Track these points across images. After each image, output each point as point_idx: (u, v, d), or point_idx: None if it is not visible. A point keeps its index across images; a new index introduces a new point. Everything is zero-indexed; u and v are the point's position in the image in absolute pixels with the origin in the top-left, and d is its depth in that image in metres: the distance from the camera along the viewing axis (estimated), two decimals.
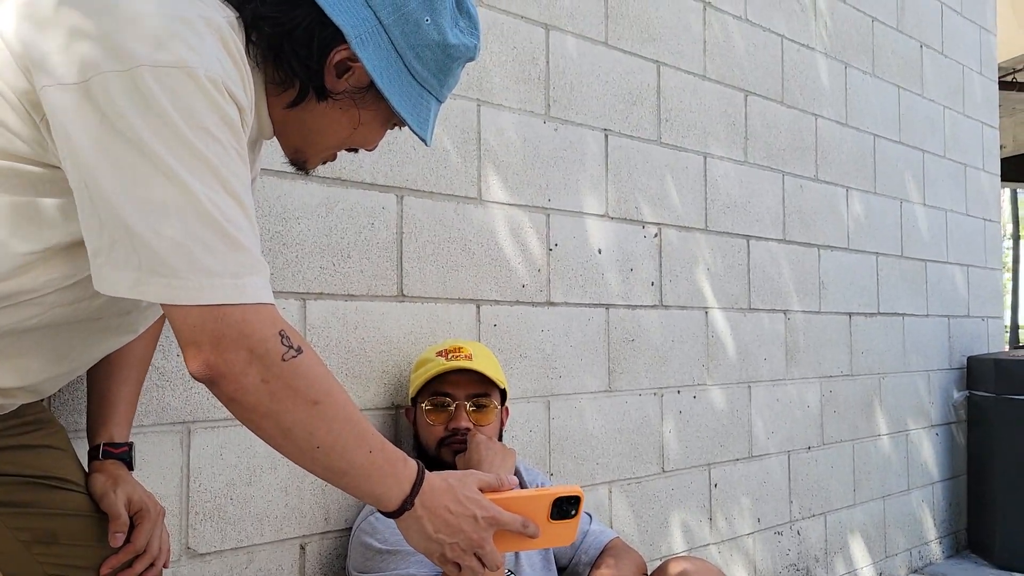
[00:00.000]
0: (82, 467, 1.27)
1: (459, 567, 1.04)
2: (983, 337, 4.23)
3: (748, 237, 2.86)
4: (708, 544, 2.64)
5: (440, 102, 1.15)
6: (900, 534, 3.53)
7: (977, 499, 3.87)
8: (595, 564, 1.76)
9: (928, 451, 3.75)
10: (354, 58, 1.05)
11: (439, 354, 1.76)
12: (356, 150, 1.20)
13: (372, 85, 1.07)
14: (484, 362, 1.76)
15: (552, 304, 2.23)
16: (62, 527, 1.19)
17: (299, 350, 0.93)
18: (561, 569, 1.82)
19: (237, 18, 1.04)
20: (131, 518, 1.24)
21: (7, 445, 1.15)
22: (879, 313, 3.47)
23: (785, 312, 3.00)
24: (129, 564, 1.22)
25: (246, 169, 0.94)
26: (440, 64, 1.10)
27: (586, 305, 2.31)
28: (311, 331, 1.75)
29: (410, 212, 1.93)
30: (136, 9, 0.89)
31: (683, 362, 2.60)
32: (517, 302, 2.14)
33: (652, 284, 2.51)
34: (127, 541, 1.22)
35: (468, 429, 1.70)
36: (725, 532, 2.71)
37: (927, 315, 3.79)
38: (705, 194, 2.70)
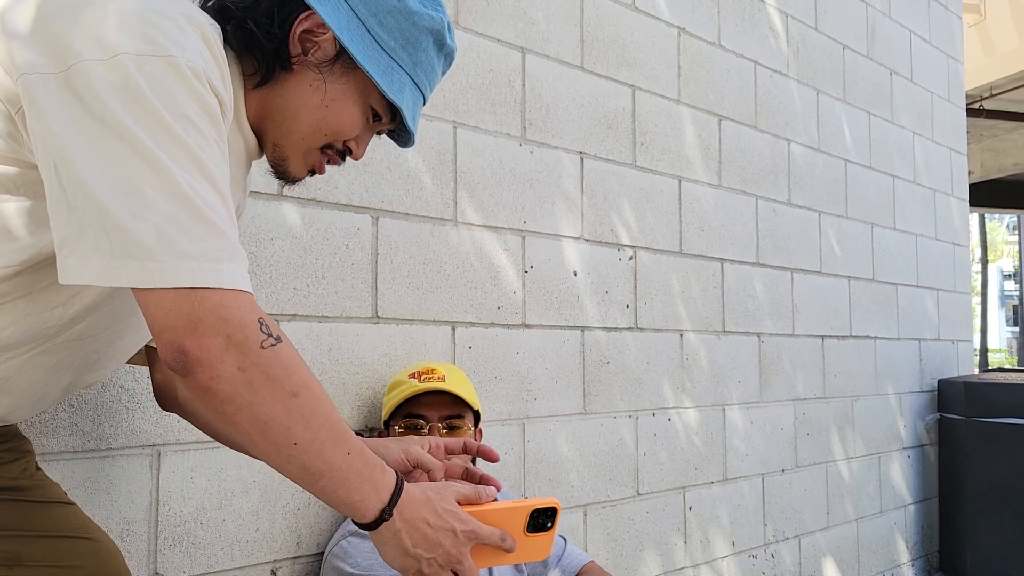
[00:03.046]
0: (45, 475, 1.24)
1: None
2: (953, 360, 4.28)
3: (722, 260, 2.88)
4: (683, 567, 2.64)
5: (418, 88, 1.14)
6: (873, 557, 3.54)
7: (949, 521, 3.89)
8: None
9: (900, 473, 3.77)
10: (319, 29, 1.06)
11: (412, 376, 1.75)
12: (340, 156, 1.17)
13: (339, 56, 1.07)
14: (457, 384, 1.75)
15: (527, 326, 2.23)
16: (26, 550, 1.16)
17: (278, 339, 0.90)
18: None
19: (212, 21, 1.04)
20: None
21: None
22: (851, 336, 3.50)
23: (759, 335, 3.02)
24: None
25: (225, 161, 0.93)
26: (405, 33, 1.10)
27: (561, 327, 2.32)
28: None
29: (385, 233, 1.93)
30: (117, 6, 0.89)
31: (658, 384, 2.60)
32: (492, 324, 2.14)
33: (627, 306, 2.52)
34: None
35: None
36: (700, 555, 2.71)
37: (898, 338, 3.83)
38: (680, 217, 2.72)
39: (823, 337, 3.33)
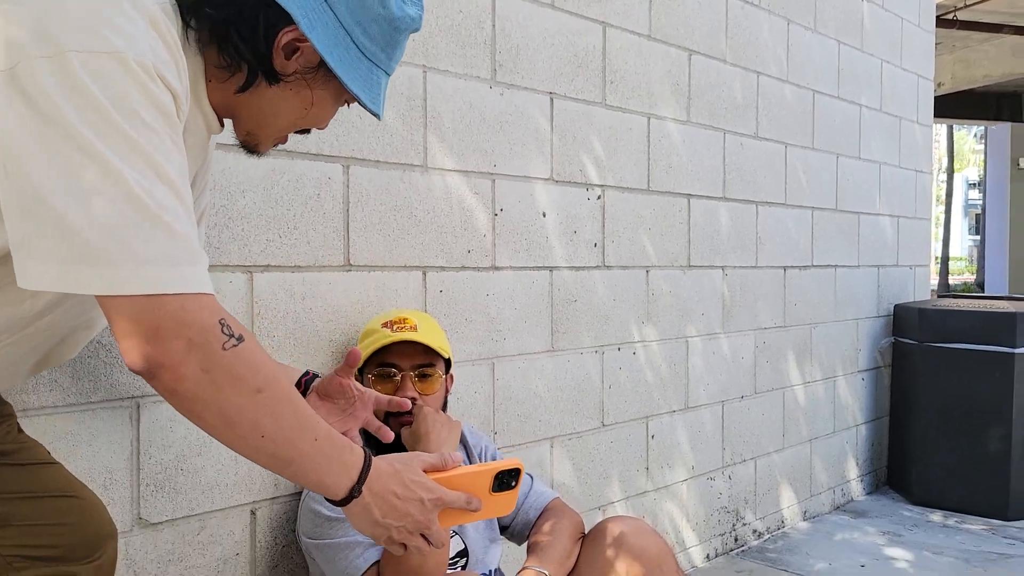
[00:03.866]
0: (26, 435, 1.28)
1: (405, 547, 1.09)
2: (911, 285, 4.40)
3: (689, 196, 2.92)
4: (645, 492, 2.77)
5: (388, 74, 1.16)
6: (825, 474, 3.73)
7: (897, 439, 4.09)
8: (535, 524, 1.85)
9: (854, 395, 3.94)
10: (302, 38, 1.05)
11: (384, 325, 1.80)
12: (308, 130, 1.20)
13: (322, 64, 1.07)
14: (429, 333, 1.80)
15: (497, 268, 2.27)
16: (14, 510, 1.21)
17: (240, 338, 0.92)
18: (503, 528, 1.90)
19: (172, 3, 1.03)
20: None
21: None
22: (813, 266, 3.59)
23: (723, 268, 3.09)
24: None
25: (182, 156, 0.93)
26: (387, 37, 1.11)
27: (530, 268, 2.36)
28: (258, 303, 1.77)
29: (356, 182, 1.94)
30: None
31: (624, 320, 2.68)
32: (463, 267, 2.18)
33: (595, 245, 2.57)
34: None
35: (414, 399, 1.76)
36: (660, 480, 2.84)
37: (858, 266, 3.93)
38: (648, 155, 2.75)
39: (785, 268, 3.42)
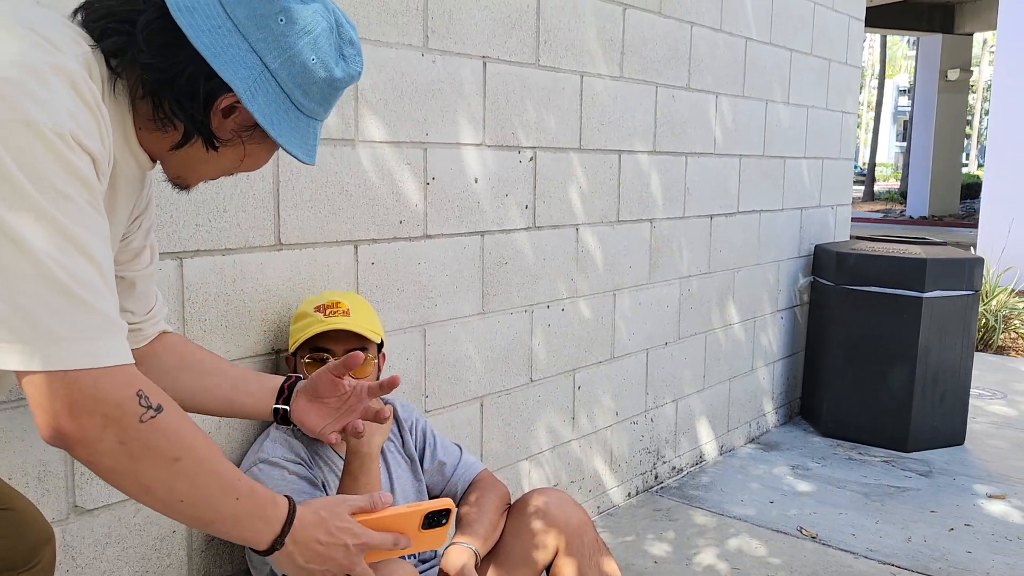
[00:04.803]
0: None
1: None
2: (831, 225, 4.56)
3: (620, 152, 2.96)
4: (570, 440, 2.90)
5: (321, 122, 1.17)
6: (742, 410, 3.93)
7: (811, 374, 4.31)
8: (462, 497, 1.94)
9: (772, 334, 4.12)
10: (240, 104, 1.05)
11: (317, 309, 1.82)
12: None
13: (258, 124, 1.07)
14: (361, 317, 1.84)
15: (429, 237, 2.29)
16: None
17: (159, 408, 0.94)
18: (432, 499, 1.99)
19: (93, 47, 1.00)
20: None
21: None
22: (738, 212, 3.69)
23: (651, 221, 3.16)
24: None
25: (102, 219, 0.93)
26: (326, 95, 1.11)
27: (462, 234, 2.39)
28: (189, 289, 1.78)
29: (286, 159, 1.93)
30: None
31: (553, 278, 2.74)
32: (395, 238, 2.20)
33: (526, 207, 2.60)
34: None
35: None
36: (586, 428, 2.97)
37: (782, 209, 4.05)
38: (580, 113, 2.76)
39: (712, 216, 3.51)
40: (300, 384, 1.44)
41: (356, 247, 2.11)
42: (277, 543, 1.06)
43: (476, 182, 2.41)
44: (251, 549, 1.08)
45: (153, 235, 1.32)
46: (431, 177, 2.28)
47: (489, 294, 2.51)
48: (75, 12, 1.04)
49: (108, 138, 0.97)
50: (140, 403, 0.92)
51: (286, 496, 1.09)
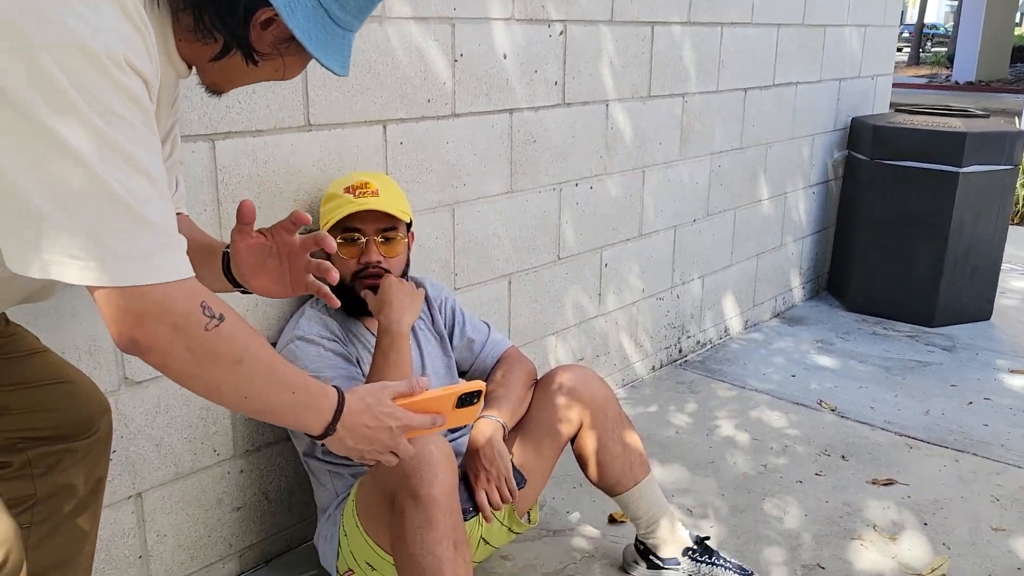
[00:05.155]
0: (15, 326, 1.37)
1: (378, 461, 1.25)
2: (871, 96, 4.43)
3: (653, 24, 2.87)
4: (596, 316, 2.96)
5: (354, 33, 1.17)
6: (769, 285, 3.96)
7: (840, 249, 4.31)
8: (490, 373, 2.02)
9: (803, 209, 4.09)
10: (277, 18, 1.05)
11: (347, 190, 1.85)
12: None
13: (295, 36, 1.07)
14: (390, 198, 1.86)
15: (457, 115, 2.28)
16: (10, 399, 1.33)
17: (220, 317, 1.00)
18: (461, 374, 2.08)
19: None
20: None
21: None
22: (774, 85, 3.60)
23: (683, 95, 3.10)
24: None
25: (155, 138, 0.96)
26: (362, 7, 1.12)
27: (490, 112, 2.38)
28: (222, 171, 1.81)
29: None
30: None
31: (582, 156, 2.73)
32: (422, 118, 2.20)
33: (555, 83, 2.56)
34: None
35: (379, 262, 1.85)
36: (612, 304, 3.03)
37: (819, 81, 3.94)
38: None
39: (746, 90, 3.43)
40: (232, 231, 1.37)
41: (384, 127, 2.11)
42: (330, 429, 1.15)
43: (505, 58, 2.37)
44: (307, 435, 1.16)
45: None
46: (459, 54, 2.24)
47: (517, 172, 2.51)
48: None
49: (155, 56, 0.98)
50: (204, 313, 0.98)
51: (334, 386, 1.17)
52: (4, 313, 1.36)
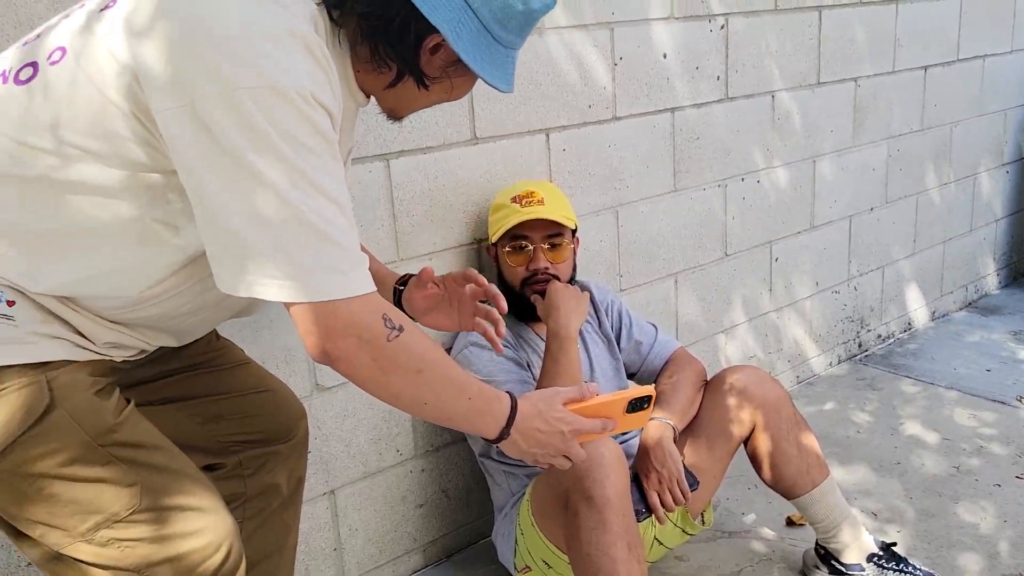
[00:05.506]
0: (225, 341, 1.52)
1: (551, 464, 1.30)
2: None
3: (820, 8, 2.76)
4: (767, 312, 2.89)
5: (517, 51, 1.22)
6: (957, 273, 3.71)
7: None
8: (659, 374, 2.03)
9: (995, 190, 3.80)
10: (444, 41, 1.11)
11: (513, 200, 1.91)
12: None
13: (462, 59, 1.14)
14: (555, 205, 1.91)
15: (618, 118, 2.30)
16: (224, 406, 1.48)
17: (401, 328, 1.08)
18: (630, 376, 2.09)
19: (318, 3, 1.10)
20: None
21: (162, 354, 1.40)
22: (958, 60, 3.37)
23: (856, 79, 2.96)
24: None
25: (340, 166, 1.05)
26: (523, 26, 1.16)
27: (651, 113, 2.38)
28: (396, 188, 1.91)
29: None
30: (228, 31, 0.96)
31: (747, 150, 2.67)
32: (584, 123, 2.23)
33: (718, 78, 2.52)
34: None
35: (546, 268, 1.90)
36: (784, 299, 2.94)
37: (1011, 51, 3.64)
38: None
39: (926, 68, 3.23)
40: (411, 281, 1.53)
41: (548, 135, 2.16)
42: (504, 433, 1.20)
43: (665, 57, 2.37)
44: (483, 439, 1.23)
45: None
46: (619, 57, 2.26)
47: (680, 171, 2.50)
48: None
49: (337, 90, 1.07)
50: (386, 325, 1.06)
51: (508, 392, 1.22)
52: (215, 329, 1.51)
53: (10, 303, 1.05)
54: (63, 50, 1.02)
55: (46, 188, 1.03)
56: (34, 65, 1.03)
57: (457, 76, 1.18)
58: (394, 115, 1.27)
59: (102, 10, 1.03)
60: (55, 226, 1.04)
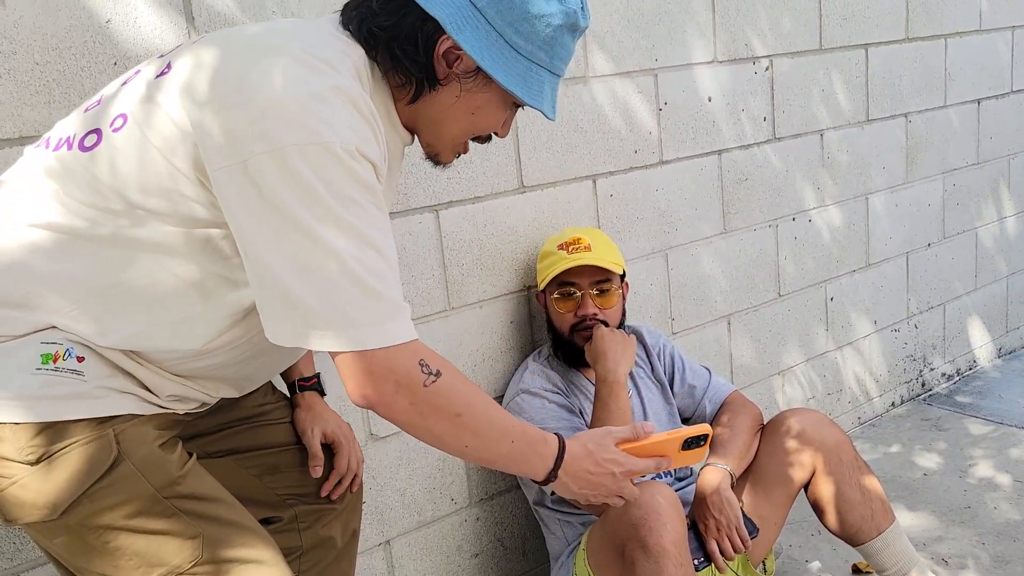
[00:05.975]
0: (280, 394, 1.55)
1: (606, 504, 1.29)
2: None
3: (867, 45, 2.75)
4: (824, 352, 2.84)
5: (556, 75, 1.21)
6: (1023, 308, 3.60)
7: None
8: (714, 418, 2.00)
9: None
10: (459, 46, 1.12)
11: (560, 247, 1.92)
12: (489, 138, 1.28)
13: (480, 68, 1.14)
14: (602, 250, 1.91)
15: (665, 163, 2.31)
16: (280, 460, 1.50)
17: (438, 373, 1.10)
18: (684, 421, 2.07)
19: (362, 55, 1.13)
20: (330, 446, 1.53)
21: (220, 406, 1.43)
22: (1012, 91, 3.31)
23: (906, 115, 2.93)
24: (338, 482, 1.54)
25: (384, 217, 1.08)
26: (541, 34, 1.14)
27: (698, 156, 2.38)
28: (446, 237, 1.94)
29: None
30: (278, 93, 1.00)
31: (797, 189, 2.65)
32: (631, 168, 2.24)
33: (764, 119, 2.52)
34: (332, 467, 1.52)
35: (595, 314, 1.90)
36: (841, 339, 2.88)
37: None
38: (820, 9, 2.59)
39: (979, 101, 3.18)
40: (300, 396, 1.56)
41: (594, 181, 2.17)
42: (552, 475, 1.21)
43: (710, 100, 2.37)
44: (531, 480, 1.22)
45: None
46: (663, 102, 2.27)
47: (730, 212, 2.49)
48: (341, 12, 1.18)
49: (383, 140, 1.10)
50: (422, 370, 1.08)
51: (556, 434, 1.22)
52: (271, 382, 1.54)
53: (80, 359, 1.09)
54: (124, 117, 1.06)
55: (114, 247, 1.07)
56: (98, 132, 1.08)
57: (479, 89, 1.16)
58: (432, 151, 1.26)
59: (158, 76, 1.07)
60: (122, 282, 1.09)
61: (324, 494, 1.51)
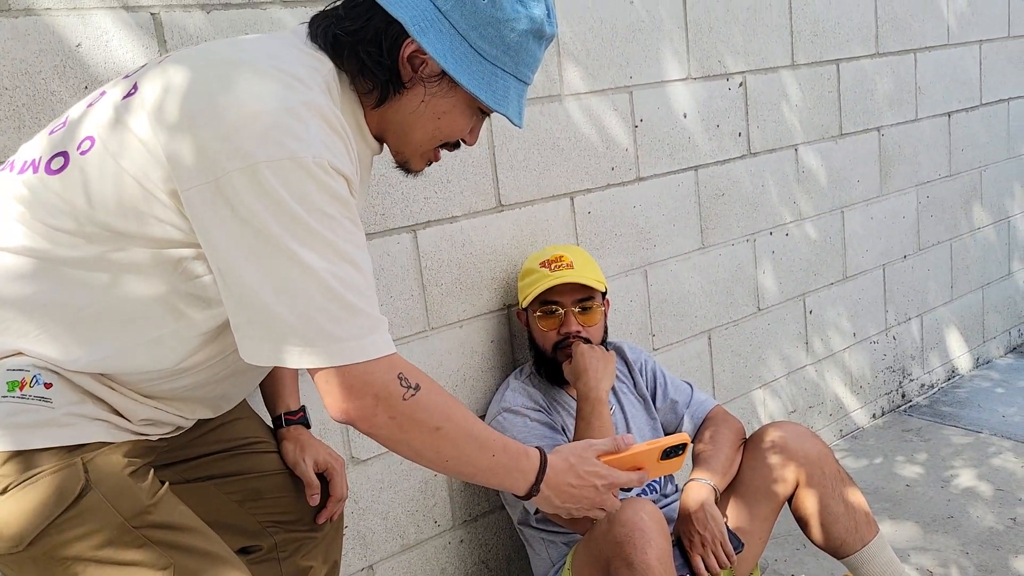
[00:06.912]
0: (266, 426, 1.53)
1: (588, 518, 1.28)
2: None
3: (838, 61, 2.79)
4: (805, 365, 2.85)
5: (522, 82, 1.20)
6: (999, 318, 3.64)
7: None
8: (697, 434, 1.99)
9: None
10: (424, 50, 1.12)
11: (542, 264, 1.92)
12: (456, 146, 1.27)
13: (445, 72, 1.14)
14: (584, 268, 1.91)
15: (641, 179, 2.32)
16: (264, 485, 1.47)
17: (417, 387, 1.09)
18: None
19: (331, 68, 1.13)
20: (323, 475, 1.51)
21: (205, 431, 1.41)
22: (982, 104, 3.36)
23: (879, 129, 2.96)
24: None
25: (358, 230, 1.07)
26: (506, 39, 1.14)
27: (675, 172, 2.39)
28: (424, 257, 1.93)
29: (499, 122, 2.01)
30: (248, 109, 0.99)
31: (774, 204, 2.67)
32: (608, 185, 2.24)
33: (739, 135, 2.54)
34: (328, 494, 1.50)
35: (578, 332, 1.89)
36: (821, 352, 2.90)
37: None
38: (791, 27, 2.63)
39: (949, 114, 3.23)
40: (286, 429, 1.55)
41: (572, 199, 2.18)
42: (533, 489, 1.20)
43: (685, 117, 2.39)
44: (513, 494, 1.21)
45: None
46: (639, 119, 2.28)
47: (708, 228, 2.50)
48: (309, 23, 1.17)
49: (354, 153, 1.09)
50: (401, 384, 1.07)
51: (537, 448, 1.21)
52: (258, 415, 1.53)
53: (47, 385, 1.07)
54: (92, 139, 1.05)
55: (83, 269, 1.05)
56: (64, 155, 1.06)
57: (443, 93, 1.16)
58: (402, 159, 1.25)
59: (125, 98, 1.06)
60: (92, 303, 1.07)
61: (322, 520, 1.50)
